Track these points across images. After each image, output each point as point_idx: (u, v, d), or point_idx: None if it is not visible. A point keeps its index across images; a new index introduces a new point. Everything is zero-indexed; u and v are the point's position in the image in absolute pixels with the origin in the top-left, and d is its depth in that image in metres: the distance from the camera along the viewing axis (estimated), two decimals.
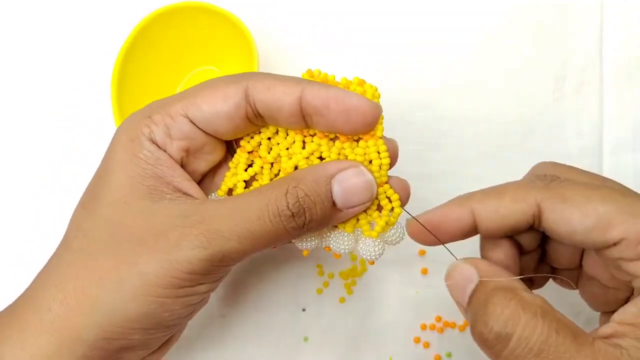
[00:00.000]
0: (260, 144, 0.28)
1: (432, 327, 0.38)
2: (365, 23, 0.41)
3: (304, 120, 0.26)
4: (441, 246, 0.38)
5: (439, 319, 0.38)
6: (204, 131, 0.26)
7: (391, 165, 0.27)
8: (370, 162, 0.27)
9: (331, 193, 0.25)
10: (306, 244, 0.27)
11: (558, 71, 0.40)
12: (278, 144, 0.27)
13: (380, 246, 0.27)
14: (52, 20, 0.42)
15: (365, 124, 0.25)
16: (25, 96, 0.41)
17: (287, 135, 0.27)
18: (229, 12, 0.36)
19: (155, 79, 0.39)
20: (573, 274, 0.30)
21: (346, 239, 0.27)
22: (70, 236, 0.26)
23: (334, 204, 0.25)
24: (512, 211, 0.25)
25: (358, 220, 0.27)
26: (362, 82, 0.27)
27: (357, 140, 0.26)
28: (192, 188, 0.27)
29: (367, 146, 0.26)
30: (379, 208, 0.27)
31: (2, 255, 0.39)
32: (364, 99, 0.25)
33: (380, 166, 0.26)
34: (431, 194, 0.39)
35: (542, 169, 0.29)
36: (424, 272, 0.38)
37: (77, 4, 0.42)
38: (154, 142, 0.26)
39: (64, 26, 0.42)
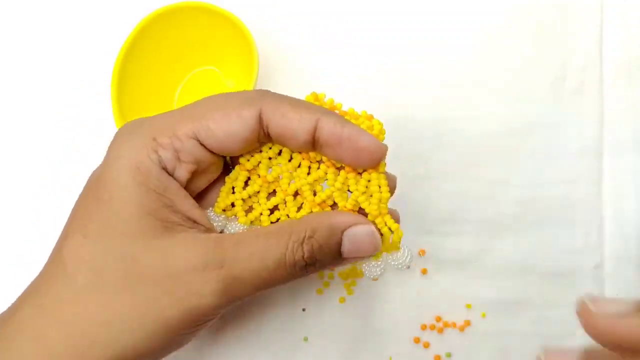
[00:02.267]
0: (260, 162, 0.28)
1: (432, 327, 0.38)
2: (365, 23, 0.41)
3: (313, 147, 0.26)
4: (441, 246, 0.38)
5: (438, 319, 0.38)
6: (211, 152, 0.26)
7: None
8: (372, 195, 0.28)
9: (340, 245, 0.26)
10: None
11: (558, 71, 0.40)
12: (280, 164, 0.28)
13: (382, 266, 0.28)
14: (52, 20, 0.42)
15: (372, 162, 0.26)
16: (25, 96, 0.41)
17: (292, 158, 0.28)
18: (229, 12, 0.36)
19: (155, 79, 0.39)
20: None
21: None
22: (71, 268, 0.25)
23: (340, 253, 0.26)
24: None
25: None
26: (370, 117, 0.28)
27: (361, 173, 0.27)
28: (199, 215, 0.26)
29: (370, 179, 0.27)
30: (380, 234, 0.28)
31: (2, 256, 0.39)
32: (375, 141, 0.26)
33: (380, 199, 0.27)
34: (431, 194, 0.39)
35: None
36: (424, 272, 0.38)
37: (77, 4, 0.42)
38: (163, 169, 0.25)
39: (64, 26, 0.42)
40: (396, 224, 0.28)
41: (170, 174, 0.26)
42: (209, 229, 0.27)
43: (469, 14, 0.41)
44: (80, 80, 0.41)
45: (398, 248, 0.28)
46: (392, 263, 0.29)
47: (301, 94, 0.42)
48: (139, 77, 0.38)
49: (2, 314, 0.26)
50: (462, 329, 0.38)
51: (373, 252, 0.27)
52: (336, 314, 0.38)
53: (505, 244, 0.38)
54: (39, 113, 0.41)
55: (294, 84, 0.41)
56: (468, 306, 0.38)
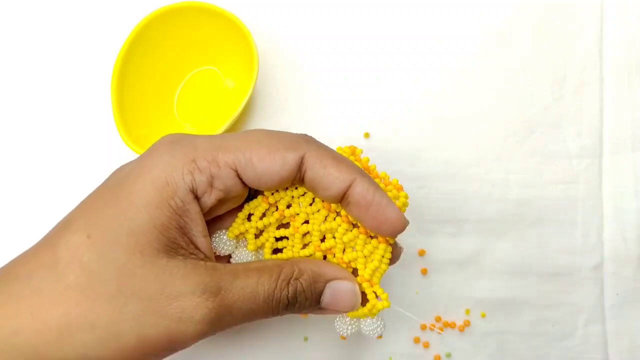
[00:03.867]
0: (282, 198, 0.28)
1: (432, 327, 0.38)
2: (365, 23, 0.41)
3: (339, 202, 0.27)
4: (441, 246, 0.38)
5: (439, 319, 0.38)
6: (244, 184, 0.26)
7: (390, 264, 0.29)
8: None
9: (321, 294, 0.27)
10: None
11: (558, 71, 0.40)
12: (300, 204, 0.28)
13: (353, 326, 0.29)
14: (52, 21, 0.42)
15: (391, 234, 0.27)
16: (25, 96, 0.41)
17: (313, 202, 0.28)
18: (229, 12, 0.36)
19: (155, 79, 0.39)
20: None
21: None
22: (63, 264, 0.24)
23: (319, 302, 0.27)
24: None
25: None
26: (400, 188, 0.29)
27: (372, 238, 0.28)
28: (204, 244, 0.26)
29: (377, 248, 0.28)
30: (364, 299, 0.28)
31: (2, 257, 0.39)
32: (400, 215, 0.26)
33: (376, 269, 0.28)
34: (431, 194, 0.39)
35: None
36: (424, 272, 0.38)
37: (77, 4, 0.42)
38: (192, 192, 0.25)
39: (64, 26, 0.42)
40: (386, 294, 0.28)
41: (198, 198, 0.26)
42: (207, 258, 0.27)
43: (469, 14, 0.41)
44: (80, 80, 0.41)
45: (373, 315, 0.28)
46: (364, 329, 0.29)
47: (300, 94, 0.42)
48: (139, 77, 0.38)
49: None
50: (462, 329, 0.38)
51: (350, 310, 0.28)
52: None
53: (505, 244, 0.39)
54: (38, 113, 0.41)
55: (293, 83, 0.41)
56: (468, 307, 0.38)
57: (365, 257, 0.28)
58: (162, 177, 0.25)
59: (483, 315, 0.38)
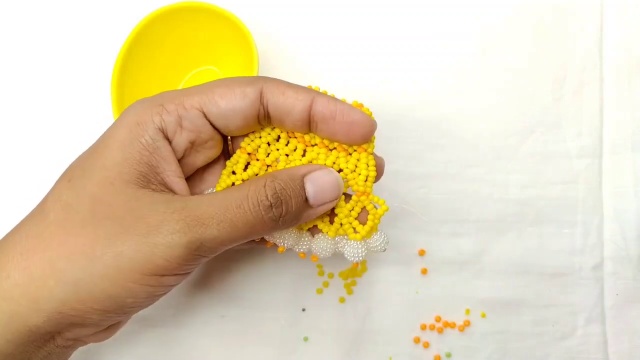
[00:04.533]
0: (260, 147, 0.29)
1: (432, 327, 0.38)
2: (365, 23, 0.41)
3: (308, 126, 0.28)
4: (441, 246, 0.38)
5: (438, 319, 0.38)
6: (213, 126, 0.28)
7: (377, 178, 0.30)
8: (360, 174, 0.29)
9: (304, 190, 0.27)
10: (284, 241, 0.29)
11: (558, 71, 0.40)
12: (278, 149, 0.29)
13: (364, 248, 0.29)
14: (52, 21, 0.42)
15: (363, 136, 0.28)
16: (25, 96, 0.41)
17: (289, 142, 0.29)
18: (229, 12, 0.36)
19: (156, 79, 0.39)
20: None
21: (328, 243, 0.30)
22: (47, 207, 0.26)
23: (306, 200, 0.27)
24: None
25: (342, 225, 0.29)
26: (360, 105, 0.30)
27: (351, 154, 0.29)
28: (180, 186, 0.27)
29: (359, 159, 0.29)
30: (362, 215, 0.29)
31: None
32: (365, 115, 0.28)
33: (367, 177, 0.29)
34: (431, 194, 0.39)
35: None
36: (424, 272, 0.38)
37: (77, 4, 0.42)
38: (161, 130, 0.27)
39: (64, 26, 0.42)
40: (382, 199, 0.29)
41: (169, 140, 0.27)
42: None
43: (469, 14, 0.41)
44: (81, 80, 0.41)
45: (376, 230, 0.29)
46: (372, 245, 0.30)
47: None
48: (139, 77, 0.38)
49: None
50: (462, 329, 0.38)
51: (337, 196, 0.28)
52: (336, 314, 0.38)
53: (505, 244, 0.39)
54: (39, 113, 0.41)
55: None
56: (468, 307, 0.38)
57: (352, 171, 0.29)
58: (134, 120, 0.26)
59: (483, 315, 0.38)
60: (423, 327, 0.38)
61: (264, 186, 0.26)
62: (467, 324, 0.38)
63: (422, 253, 0.39)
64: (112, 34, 0.40)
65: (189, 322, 0.38)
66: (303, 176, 0.27)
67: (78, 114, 0.41)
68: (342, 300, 0.38)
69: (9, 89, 0.42)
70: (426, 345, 0.38)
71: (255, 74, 0.36)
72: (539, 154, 0.40)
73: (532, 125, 0.40)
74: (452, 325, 0.38)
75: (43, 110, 0.41)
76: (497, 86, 0.40)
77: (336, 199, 0.28)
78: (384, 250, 0.30)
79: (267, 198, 0.26)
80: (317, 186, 0.27)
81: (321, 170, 0.28)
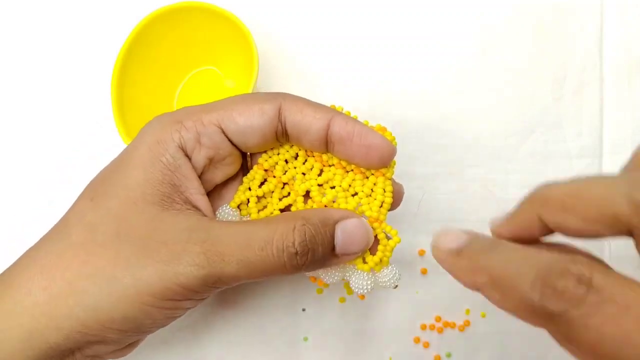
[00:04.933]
0: (277, 164, 0.29)
1: (432, 327, 0.38)
2: (365, 23, 0.41)
3: (326, 146, 0.28)
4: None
5: (438, 319, 0.38)
6: (232, 142, 0.27)
7: (393, 206, 0.29)
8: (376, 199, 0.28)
9: (334, 238, 0.26)
10: (330, 279, 0.29)
11: (558, 71, 0.40)
12: (295, 167, 0.29)
13: (371, 281, 0.28)
14: (52, 21, 0.42)
15: (380, 161, 0.27)
16: (24, 97, 0.41)
17: (306, 161, 0.29)
18: (229, 12, 0.36)
19: (155, 79, 0.39)
20: None
21: (366, 279, 0.28)
22: (70, 226, 0.26)
23: (333, 248, 0.26)
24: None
25: None
26: (383, 129, 0.29)
27: (368, 177, 0.28)
28: (203, 203, 0.27)
29: (376, 183, 0.28)
30: (374, 244, 0.28)
31: (2, 258, 0.39)
32: (384, 140, 0.27)
33: (382, 203, 0.28)
34: (431, 194, 0.39)
35: None
36: (424, 272, 0.38)
37: (77, 4, 0.42)
38: (181, 148, 0.27)
39: (64, 26, 0.42)
40: (395, 230, 0.28)
41: (189, 156, 0.27)
42: (206, 216, 0.27)
43: (469, 14, 0.41)
44: (81, 80, 0.41)
45: (387, 264, 0.28)
46: (381, 280, 0.28)
47: (301, 94, 0.42)
48: (139, 77, 0.38)
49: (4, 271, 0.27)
50: (462, 329, 0.38)
51: (365, 247, 0.27)
52: (336, 314, 0.38)
53: None
54: (38, 113, 0.41)
55: (293, 83, 0.41)
56: (468, 307, 0.38)
57: (368, 196, 0.28)
58: (154, 139, 0.27)
59: (483, 315, 0.38)
60: (423, 327, 0.38)
61: (293, 230, 0.25)
62: (467, 324, 0.38)
63: (422, 253, 0.39)
64: (112, 34, 0.40)
65: (188, 322, 0.38)
66: (335, 222, 0.26)
67: (78, 114, 0.41)
68: (342, 300, 0.38)
69: (9, 89, 0.42)
70: (426, 345, 0.37)
71: (255, 74, 0.36)
72: (539, 154, 0.40)
73: (532, 125, 0.40)
74: (452, 325, 0.38)
75: (43, 110, 0.41)
76: (497, 86, 0.40)
77: (361, 252, 0.27)
78: (395, 287, 0.29)
79: (294, 245, 0.25)
80: (347, 236, 0.26)
81: (354, 219, 0.27)
